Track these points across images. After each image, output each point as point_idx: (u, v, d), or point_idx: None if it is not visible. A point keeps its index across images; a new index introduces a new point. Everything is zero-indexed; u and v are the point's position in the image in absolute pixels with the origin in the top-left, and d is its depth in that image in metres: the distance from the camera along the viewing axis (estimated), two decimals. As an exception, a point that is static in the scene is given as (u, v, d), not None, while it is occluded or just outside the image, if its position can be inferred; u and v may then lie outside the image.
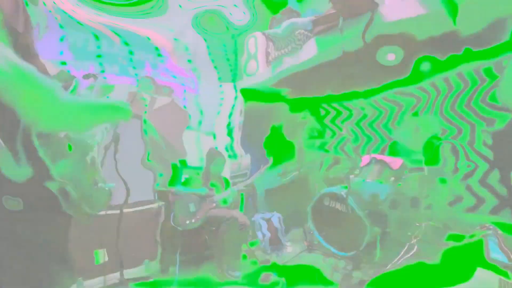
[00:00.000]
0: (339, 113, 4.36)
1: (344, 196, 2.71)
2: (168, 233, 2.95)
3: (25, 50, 0.89)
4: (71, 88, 1.06)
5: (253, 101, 4.24)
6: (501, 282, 1.61)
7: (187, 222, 2.78)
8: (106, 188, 1.11)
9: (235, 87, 4.24)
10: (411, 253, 2.43)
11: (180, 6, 3.46)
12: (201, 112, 4.00)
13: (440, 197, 2.92)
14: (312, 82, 3.69)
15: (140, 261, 2.90)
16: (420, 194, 2.74)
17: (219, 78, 4.21)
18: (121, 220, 2.36)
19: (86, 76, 1.49)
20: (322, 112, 4.53)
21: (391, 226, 2.79)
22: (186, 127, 3.82)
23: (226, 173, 3.73)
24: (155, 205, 2.99)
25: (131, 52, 3.43)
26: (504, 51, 2.69)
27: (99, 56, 3.17)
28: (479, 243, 2.16)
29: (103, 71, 3.14)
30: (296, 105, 4.49)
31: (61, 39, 2.85)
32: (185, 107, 3.86)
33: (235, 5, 3.66)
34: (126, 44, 3.41)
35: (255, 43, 3.81)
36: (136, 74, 3.42)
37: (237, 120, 4.24)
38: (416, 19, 2.38)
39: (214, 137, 4.02)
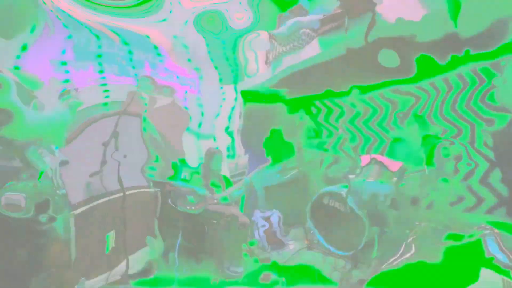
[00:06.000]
0: (330, 110, 4.33)
1: (344, 195, 2.71)
2: (167, 218, 2.90)
3: None
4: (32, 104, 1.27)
5: (253, 102, 4.21)
6: (504, 282, 1.63)
7: (188, 207, 2.78)
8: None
9: (235, 88, 4.17)
10: (410, 253, 2.45)
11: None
12: (202, 114, 3.94)
13: (442, 196, 2.93)
14: (311, 80, 3.70)
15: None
16: (421, 194, 2.75)
17: (220, 80, 4.12)
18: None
19: (63, 94, 1.66)
20: (314, 110, 4.48)
21: (389, 225, 2.80)
22: (186, 128, 3.76)
23: (225, 172, 3.71)
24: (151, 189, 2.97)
25: (130, 52, 3.39)
26: (506, 52, 2.70)
27: (99, 56, 3.13)
28: (478, 243, 2.19)
29: (102, 71, 3.10)
30: (293, 105, 4.48)
31: (69, 37, 2.83)
32: (186, 108, 3.80)
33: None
34: (126, 43, 3.36)
35: (256, 42, 3.78)
36: (136, 74, 3.39)
37: (237, 122, 4.21)
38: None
39: (215, 140, 3.96)
